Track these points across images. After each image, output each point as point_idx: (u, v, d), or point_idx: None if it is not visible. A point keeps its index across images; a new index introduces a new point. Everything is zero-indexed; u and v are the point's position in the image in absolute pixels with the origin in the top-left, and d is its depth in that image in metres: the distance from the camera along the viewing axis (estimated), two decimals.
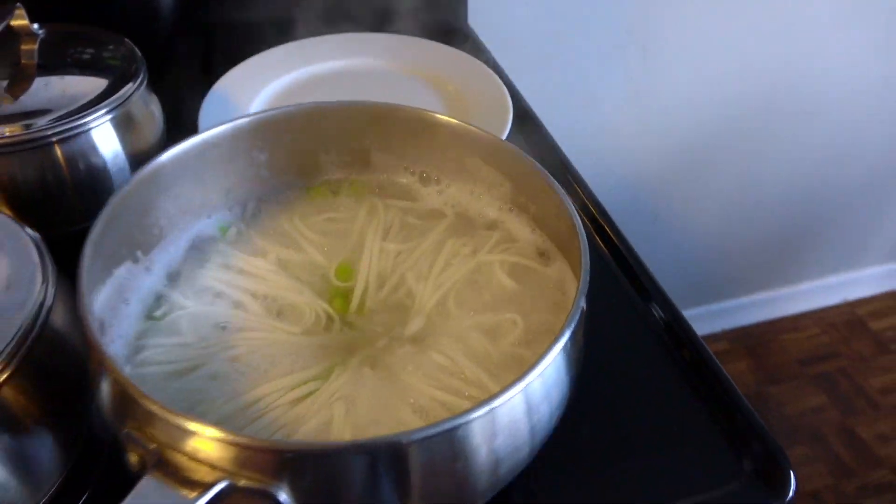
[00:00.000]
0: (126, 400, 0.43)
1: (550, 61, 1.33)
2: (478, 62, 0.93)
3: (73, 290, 0.47)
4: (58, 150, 0.67)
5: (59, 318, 0.54)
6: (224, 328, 0.56)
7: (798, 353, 2.01)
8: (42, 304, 0.52)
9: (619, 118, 1.47)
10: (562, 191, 0.57)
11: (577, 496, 0.55)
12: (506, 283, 0.60)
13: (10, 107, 0.67)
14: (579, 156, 0.87)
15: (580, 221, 0.54)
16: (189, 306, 0.57)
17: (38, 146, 0.66)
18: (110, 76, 0.72)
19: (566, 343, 0.46)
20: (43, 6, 0.76)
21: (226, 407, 0.50)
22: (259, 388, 0.52)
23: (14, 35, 0.73)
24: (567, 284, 0.59)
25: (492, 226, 0.64)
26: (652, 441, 0.58)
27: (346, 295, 0.59)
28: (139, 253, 0.58)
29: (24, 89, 0.70)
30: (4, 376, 0.49)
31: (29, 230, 0.58)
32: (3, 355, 0.49)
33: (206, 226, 0.64)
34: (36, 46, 0.74)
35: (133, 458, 0.44)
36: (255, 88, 0.88)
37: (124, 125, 0.71)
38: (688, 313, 0.67)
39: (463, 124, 0.62)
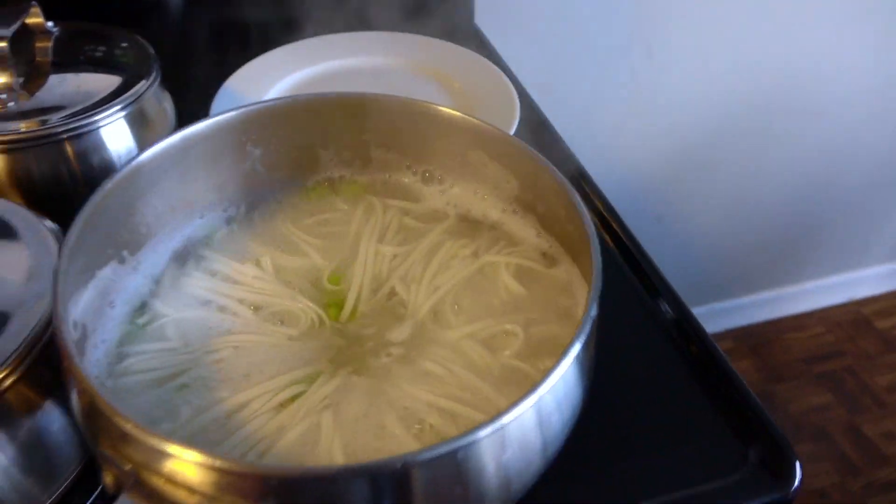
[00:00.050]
0: (100, 417, 0.39)
1: (555, 61, 1.31)
2: (485, 60, 0.91)
3: None
4: (72, 146, 0.67)
5: None
6: (210, 332, 0.53)
7: (803, 351, 1.99)
8: None
9: (623, 118, 1.45)
10: (572, 189, 0.52)
11: (585, 486, 0.54)
12: (508, 287, 0.56)
13: (25, 103, 0.68)
14: (583, 155, 0.85)
15: (591, 222, 0.50)
16: (175, 311, 0.54)
17: (52, 142, 0.66)
18: (124, 73, 0.72)
19: (579, 353, 0.43)
20: (57, 4, 0.76)
21: (206, 415, 0.47)
22: (243, 392, 0.49)
23: (29, 33, 0.74)
24: (574, 287, 0.55)
25: (494, 227, 0.61)
26: (660, 433, 0.57)
27: (338, 300, 0.56)
28: (125, 253, 0.55)
29: (40, 86, 0.70)
30: (25, 366, 0.49)
31: (48, 222, 0.58)
32: (25, 345, 0.49)
33: (198, 225, 0.60)
34: (50, 44, 0.74)
35: (108, 479, 0.40)
36: (265, 86, 0.87)
37: (138, 122, 0.71)
38: (692, 312, 0.67)
39: (466, 117, 0.58)
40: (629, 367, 0.61)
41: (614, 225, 0.74)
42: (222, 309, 0.54)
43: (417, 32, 0.95)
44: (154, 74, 0.73)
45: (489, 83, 0.87)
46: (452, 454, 0.38)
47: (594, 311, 0.44)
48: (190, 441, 0.42)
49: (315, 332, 0.53)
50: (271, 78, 0.88)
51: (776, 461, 0.54)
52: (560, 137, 0.87)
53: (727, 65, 1.45)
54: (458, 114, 0.59)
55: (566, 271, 0.56)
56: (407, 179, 0.64)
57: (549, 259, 0.57)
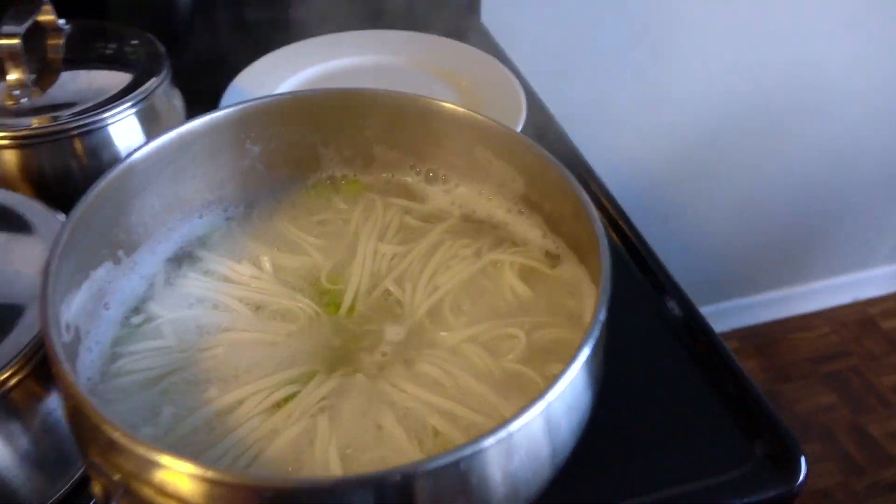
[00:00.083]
0: (88, 425, 0.37)
1: (561, 60, 1.31)
2: (491, 58, 0.91)
3: None
4: (82, 143, 0.67)
5: None
6: (205, 331, 0.51)
7: (808, 352, 1.98)
8: None
9: (629, 118, 1.45)
10: (580, 187, 0.50)
11: (591, 478, 0.52)
12: (513, 287, 0.54)
13: (38, 99, 0.68)
14: (587, 154, 0.85)
15: (599, 221, 0.48)
16: (170, 312, 0.52)
17: (63, 138, 0.66)
18: (134, 71, 0.72)
19: (588, 357, 0.40)
20: (69, 2, 0.76)
21: (197, 416, 0.45)
22: (235, 392, 0.47)
23: (41, 30, 0.74)
24: (582, 289, 0.53)
25: (499, 227, 0.58)
26: (667, 428, 0.57)
27: (336, 299, 0.54)
28: (121, 253, 0.53)
29: (51, 83, 0.70)
30: (38, 359, 0.49)
31: (62, 216, 0.58)
32: (38, 339, 0.49)
33: (197, 225, 0.58)
34: (62, 41, 0.74)
35: (97, 489, 0.38)
36: (273, 83, 0.87)
37: (148, 118, 0.71)
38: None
39: (471, 113, 0.56)
40: (636, 363, 0.60)
41: (622, 224, 0.73)
42: (218, 307, 0.52)
43: (424, 31, 0.95)
44: (164, 72, 0.73)
45: (496, 81, 0.86)
46: (456, 464, 0.36)
47: (603, 315, 0.42)
48: (180, 446, 0.40)
49: (311, 330, 0.51)
50: (280, 75, 0.88)
51: (782, 456, 0.54)
52: (566, 136, 0.86)
53: (733, 65, 1.44)
54: (462, 110, 0.57)
55: (572, 272, 0.54)
56: (410, 179, 0.62)
57: (554, 259, 0.56)
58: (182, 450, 0.43)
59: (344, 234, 0.58)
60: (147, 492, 0.35)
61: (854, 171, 1.75)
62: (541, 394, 0.38)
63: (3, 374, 0.47)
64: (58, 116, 0.66)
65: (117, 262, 0.52)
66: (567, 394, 0.39)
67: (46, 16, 0.74)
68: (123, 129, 0.69)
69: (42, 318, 0.40)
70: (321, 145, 0.61)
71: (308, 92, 0.59)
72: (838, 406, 1.85)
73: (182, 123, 0.54)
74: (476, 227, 0.58)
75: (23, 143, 0.65)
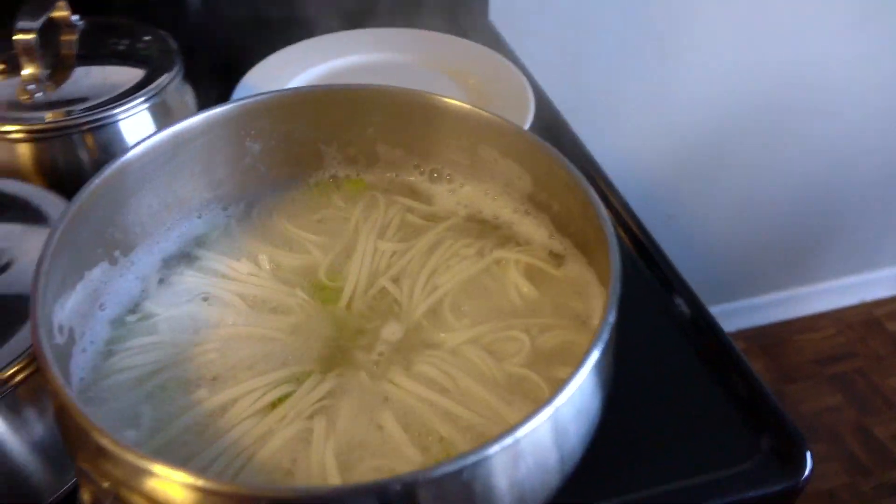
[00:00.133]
0: (77, 431, 0.35)
1: (567, 59, 1.30)
2: (499, 56, 0.90)
3: None
4: (94, 137, 0.67)
5: None
6: (201, 327, 0.49)
7: (814, 353, 1.97)
8: None
9: (634, 117, 1.44)
10: (587, 183, 0.48)
11: (599, 471, 0.49)
12: (518, 286, 0.52)
13: (52, 94, 0.69)
14: (593, 153, 0.84)
15: (608, 218, 0.46)
16: (167, 308, 0.50)
17: (76, 132, 0.67)
18: (147, 67, 0.73)
19: (597, 361, 0.38)
20: None
21: (188, 417, 0.43)
22: (228, 391, 0.45)
23: (55, 26, 0.74)
24: (589, 290, 0.51)
25: (504, 227, 0.56)
26: (674, 422, 0.57)
27: (332, 296, 0.52)
28: (117, 253, 0.51)
29: (65, 78, 0.71)
30: None
31: None
32: None
33: (195, 225, 0.56)
34: (75, 37, 0.75)
35: (86, 497, 0.36)
36: (283, 80, 0.86)
37: (160, 114, 0.71)
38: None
39: (476, 109, 0.54)
40: (643, 358, 0.59)
41: (629, 221, 0.72)
42: (215, 304, 0.51)
43: (433, 29, 0.94)
44: (176, 68, 0.74)
45: (504, 79, 0.85)
46: (459, 473, 0.34)
47: (613, 316, 0.40)
48: (170, 449, 0.38)
49: (307, 328, 0.50)
50: (290, 72, 0.88)
51: (787, 450, 0.54)
52: (574, 134, 0.85)
53: (738, 65, 1.43)
54: (466, 106, 0.54)
55: (579, 273, 0.52)
56: (414, 178, 0.60)
57: (560, 260, 0.54)
58: (172, 454, 0.41)
59: (344, 231, 0.56)
60: (137, 500, 0.34)
61: (860, 172, 1.74)
62: (549, 399, 0.36)
63: (12, 368, 0.47)
64: (71, 111, 0.66)
65: (114, 262, 0.51)
66: (576, 399, 0.37)
67: (60, 12, 0.74)
68: (136, 125, 0.69)
69: (32, 320, 0.38)
70: (323, 143, 0.59)
71: (309, 88, 0.57)
72: (844, 407, 1.84)
73: (177, 121, 0.52)
74: (479, 226, 0.57)
75: (37, 137, 0.66)
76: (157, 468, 0.32)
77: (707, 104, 1.47)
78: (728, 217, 1.72)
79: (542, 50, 1.10)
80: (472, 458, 0.34)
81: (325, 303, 0.51)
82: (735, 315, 1.95)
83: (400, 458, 0.42)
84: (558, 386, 0.37)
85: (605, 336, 0.39)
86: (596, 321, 0.47)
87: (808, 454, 0.53)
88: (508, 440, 0.34)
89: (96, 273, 0.49)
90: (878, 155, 1.72)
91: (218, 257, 0.54)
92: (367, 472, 0.41)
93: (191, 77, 0.77)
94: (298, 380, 0.46)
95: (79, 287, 0.47)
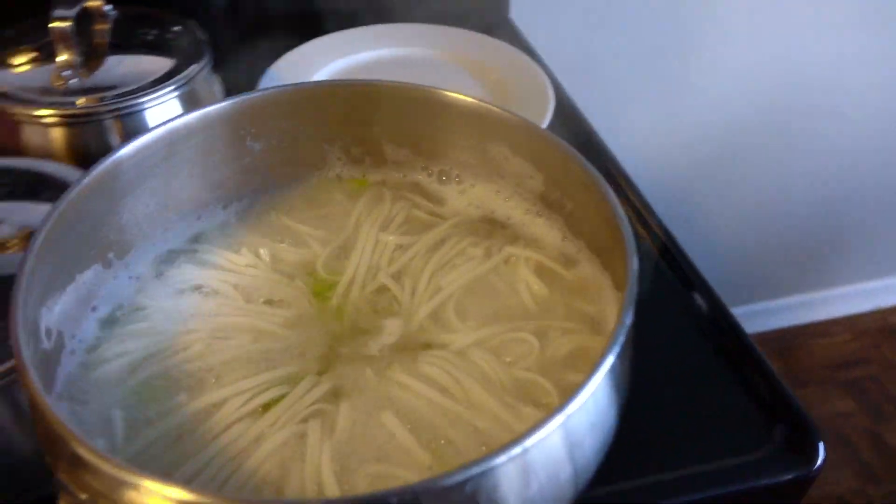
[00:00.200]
0: (55, 439, 0.33)
1: (586, 58, 1.29)
2: (520, 53, 0.89)
3: None
4: (123, 125, 0.68)
5: None
6: (192, 318, 0.47)
7: (827, 358, 1.94)
8: None
9: (652, 117, 1.41)
10: (602, 179, 0.45)
11: (616, 462, 0.47)
12: (528, 284, 0.50)
13: (85, 81, 0.70)
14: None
15: (624, 216, 0.43)
16: (160, 299, 0.48)
17: (107, 118, 0.68)
18: (177, 56, 0.74)
19: (613, 365, 0.36)
20: None
21: (173, 420, 0.41)
22: (218, 391, 0.43)
23: (89, 16, 0.75)
24: (602, 292, 0.49)
25: (513, 228, 0.54)
26: (689, 411, 0.56)
27: (329, 290, 0.49)
28: (111, 255, 0.49)
29: (98, 66, 0.72)
30: None
31: None
32: None
33: (194, 226, 0.54)
34: (108, 26, 0.75)
35: None
36: (306, 73, 0.86)
37: (188, 103, 0.72)
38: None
39: (483, 104, 0.51)
40: (659, 351, 0.56)
41: (650, 221, 0.70)
42: (209, 295, 0.49)
43: (454, 26, 0.94)
44: (205, 58, 0.74)
45: (525, 76, 0.85)
46: (462, 485, 0.31)
47: (629, 319, 0.37)
48: (152, 458, 0.35)
49: (305, 323, 0.47)
50: (314, 65, 0.88)
51: (800, 440, 0.54)
52: (595, 132, 0.84)
53: (760, 65, 1.41)
54: (473, 100, 0.52)
55: (592, 276, 0.50)
56: (422, 179, 0.57)
57: (572, 261, 0.51)
58: (155, 462, 0.38)
59: (345, 225, 0.54)
60: None
61: (879, 177, 1.72)
62: (560, 406, 0.33)
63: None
64: (102, 97, 0.68)
65: (107, 265, 0.48)
66: (589, 407, 0.35)
67: (94, 2, 0.74)
68: (164, 113, 0.69)
69: (12, 322, 0.35)
70: (326, 142, 0.57)
71: (310, 84, 0.55)
72: (856, 413, 1.81)
73: (173, 118, 0.49)
74: (488, 226, 0.54)
75: (69, 122, 0.67)
76: (137, 479, 0.30)
77: (725, 105, 1.45)
78: (743, 219, 1.69)
79: (561, 48, 1.08)
80: (476, 469, 0.31)
81: (322, 296, 0.49)
82: (749, 318, 1.90)
83: (400, 465, 0.39)
84: (570, 393, 0.34)
85: (622, 339, 0.36)
86: (611, 325, 0.44)
87: (821, 445, 0.52)
88: (516, 450, 0.32)
89: (89, 276, 0.47)
90: (894, 160, 1.69)
91: (216, 250, 0.52)
92: (364, 480, 0.38)
93: (219, 67, 0.77)
94: (292, 381, 0.43)
95: (69, 289, 0.45)
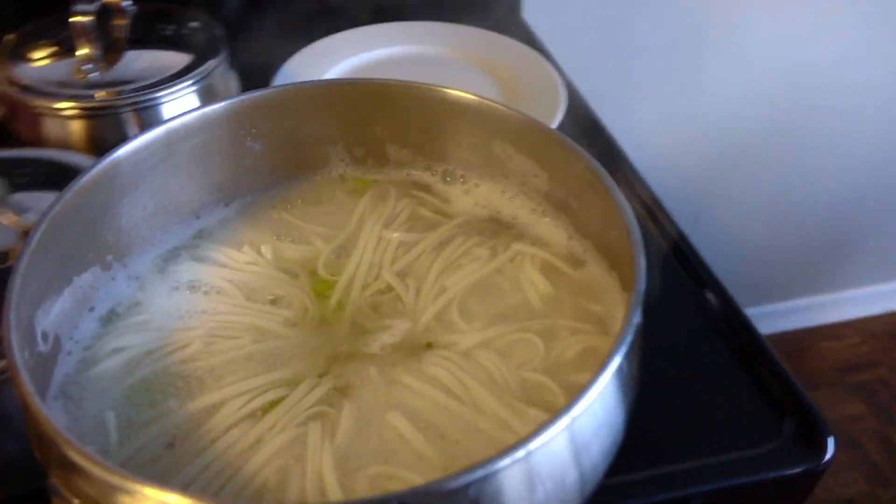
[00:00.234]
0: (48, 443, 0.32)
1: (598, 56, 1.29)
2: (532, 51, 0.90)
3: None
4: (140, 118, 0.70)
5: None
6: (191, 315, 0.47)
7: (837, 361, 1.93)
8: None
9: (662, 116, 1.41)
10: (608, 177, 0.44)
11: (629, 453, 0.46)
12: (530, 284, 0.48)
13: (104, 75, 0.72)
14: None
15: (632, 214, 0.42)
16: (159, 296, 0.47)
17: (125, 111, 0.69)
18: (194, 52, 0.75)
19: (620, 365, 0.35)
20: None
21: (167, 422, 0.40)
22: (217, 392, 0.42)
23: (108, 11, 0.76)
24: (609, 292, 0.48)
25: (518, 227, 0.53)
26: (702, 407, 0.56)
27: (329, 289, 0.48)
28: (110, 258, 0.48)
29: (117, 60, 0.74)
30: None
31: None
32: None
33: (194, 227, 0.53)
34: (127, 22, 0.76)
35: None
36: (319, 71, 0.87)
37: (206, 98, 0.73)
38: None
39: (485, 101, 0.50)
40: (670, 346, 0.58)
41: (661, 218, 0.70)
42: (209, 292, 0.48)
43: (466, 25, 0.95)
44: (222, 54, 0.76)
45: (536, 73, 0.85)
46: (465, 489, 0.30)
47: (637, 319, 0.36)
48: (146, 463, 0.34)
49: (305, 323, 0.46)
50: (332, 60, 0.89)
51: (810, 435, 0.54)
52: (607, 130, 0.84)
53: (768, 65, 1.41)
54: (475, 98, 0.51)
55: (599, 275, 0.49)
56: (427, 178, 0.56)
57: (579, 260, 0.50)
58: (151, 466, 0.37)
59: (349, 222, 0.53)
60: None
61: (888, 180, 1.70)
62: (565, 407, 0.32)
63: None
64: (120, 91, 0.69)
65: (106, 267, 0.47)
66: (596, 408, 0.34)
67: None
68: (181, 107, 0.70)
69: (4, 324, 0.34)
70: (329, 143, 0.56)
71: (311, 83, 0.54)
72: (866, 416, 1.80)
73: (172, 118, 0.48)
74: (494, 226, 0.53)
75: (88, 114, 0.69)
76: (131, 485, 0.29)
77: (738, 105, 1.45)
78: (754, 220, 1.69)
79: (573, 47, 1.08)
80: (479, 472, 0.30)
81: (324, 295, 0.48)
82: (759, 320, 1.86)
83: (403, 467, 0.38)
84: (576, 394, 0.33)
85: (629, 339, 0.35)
86: (618, 325, 0.43)
87: (831, 440, 0.52)
88: (520, 452, 0.31)
89: (87, 278, 0.46)
90: None
91: (217, 247, 0.51)
92: (366, 482, 0.37)
93: (236, 63, 0.78)
94: (292, 382, 0.42)
95: (66, 292, 0.44)
